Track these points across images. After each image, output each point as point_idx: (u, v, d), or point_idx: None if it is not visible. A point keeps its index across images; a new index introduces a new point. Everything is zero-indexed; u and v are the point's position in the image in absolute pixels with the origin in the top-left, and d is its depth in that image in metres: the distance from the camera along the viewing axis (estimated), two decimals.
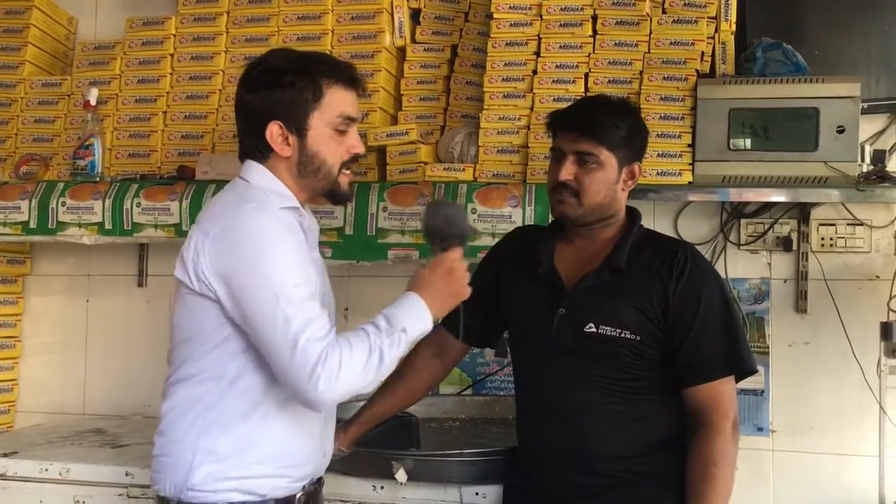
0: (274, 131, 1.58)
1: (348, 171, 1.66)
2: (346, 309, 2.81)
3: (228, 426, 1.53)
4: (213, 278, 1.50)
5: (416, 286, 1.62)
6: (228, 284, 1.49)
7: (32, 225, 2.60)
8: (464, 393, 2.68)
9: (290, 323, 1.44)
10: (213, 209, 1.60)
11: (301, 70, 1.58)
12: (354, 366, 1.46)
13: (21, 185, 2.64)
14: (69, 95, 2.84)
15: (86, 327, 3.00)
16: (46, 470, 2.15)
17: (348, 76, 1.63)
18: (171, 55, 2.77)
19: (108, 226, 2.56)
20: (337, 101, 1.61)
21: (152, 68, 2.77)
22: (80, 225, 2.57)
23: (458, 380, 2.69)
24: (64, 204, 2.58)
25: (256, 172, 1.62)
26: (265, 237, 1.50)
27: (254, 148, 1.62)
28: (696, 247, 1.95)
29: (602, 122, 1.76)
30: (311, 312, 1.48)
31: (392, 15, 2.67)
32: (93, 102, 2.68)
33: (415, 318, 1.57)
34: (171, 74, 2.76)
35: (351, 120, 1.63)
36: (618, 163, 1.78)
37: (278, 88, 1.57)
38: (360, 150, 1.66)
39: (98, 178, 2.65)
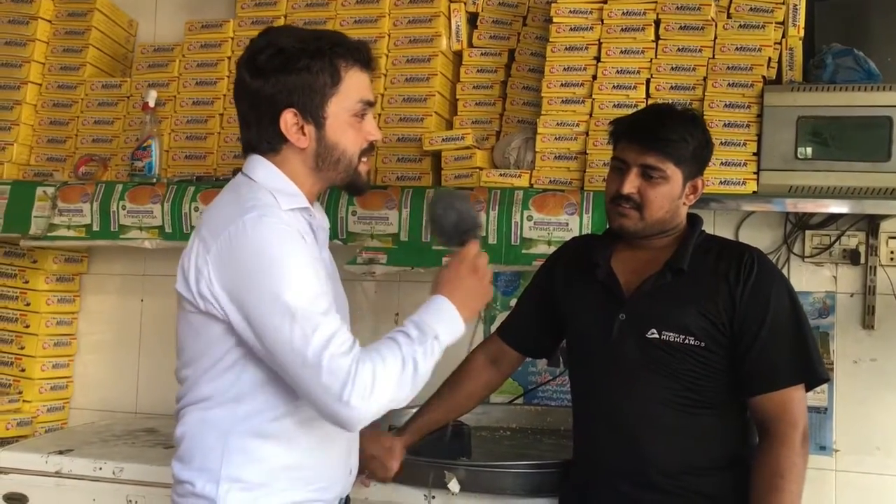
0: (288, 120, 1.45)
1: (366, 160, 1.54)
2: (397, 314, 2.79)
3: (250, 451, 1.43)
4: (220, 298, 1.38)
5: (442, 288, 1.48)
6: (238, 305, 1.37)
7: (96, 228, 2.63)
8: (515, 402, 2.64)
9: (309, 342, 1.32)
10: (213, 216, 1.46)
11: (317, 52, 1.44)
12: (389, 378, 1.35)
13: (81, 186, 2.67)
14: (128, 97, 2.86)
15: (140, 327, 3.03)
16: (100, 469, 2.17)
17: (366, 57, 1.50)
18: (229, 58, 2.78)
19: (168, 229, 2.58)
20: (356, 85, 1.49)
21: (210, 71, 2.79)
22: (141, 228, 2.59)
23: (509, 388, 2.65)
24: (124, 207, 2.61)
25: (261, 169, 1.49)
26: (273, 250, 1.37)
27: (262, 140, 1.48)
28: None
29: (671, 135, 1.70)
30: (331, 327, 1.35)
31: (449, 19, 2.64)
32: (151, 104, 2.71)
33: (446, 323, 1.45)
34: (228, 77, 2.76)
35: (370, 105, 1.52)
36: (683, 178, 1.73)
37: (292, 73, 1.43)
38: (378, 136, 1.54)
39: (155, 180, 2.67)
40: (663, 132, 1.70)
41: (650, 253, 1.78)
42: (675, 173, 1.72)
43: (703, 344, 1.66)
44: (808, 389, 1.67)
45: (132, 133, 2.80)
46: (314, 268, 1.40)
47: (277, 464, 1.45)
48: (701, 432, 1.68)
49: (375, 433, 1.90)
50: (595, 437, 1.76)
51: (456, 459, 2.00)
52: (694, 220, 1.82)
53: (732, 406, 1.70)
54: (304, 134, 1.47)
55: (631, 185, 1.71)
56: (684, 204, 1.77)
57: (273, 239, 1.37)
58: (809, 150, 2.18)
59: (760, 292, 1.66)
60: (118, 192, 2.62)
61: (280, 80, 1.44)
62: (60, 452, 2.22)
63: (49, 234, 2.66)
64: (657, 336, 1.68)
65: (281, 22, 2.75)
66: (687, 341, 1.66)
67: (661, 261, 1.75)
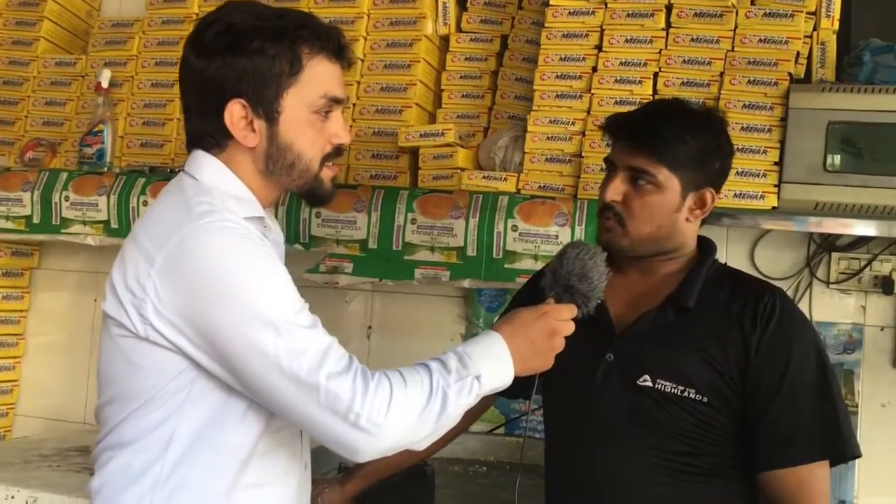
0: (235, 113, 1.23)
1: (330, 165, 1.31)
2: (370, 328, 2.53)
3: None
4: (171, 322, 1.16)
5: (506, 329, 1.29)
6: (197, 328, 1.15)
7: (36, 220, 2.42)
8: (495, 432, 2.37)
9: (300, 360, 1.13)
10: (153, 221, 1.24)
11: (276, 32, 1.23)
12: (409, 405, 1.16)
13: (23, 173, 2.46)
14: (83, 76, 2.61)
15: (92, 329, 2.77)
16: (13, 497, 1.92)
17: (335, 44, 1.28)
18: None
19: (113, 224, 2.35)
20: (320, 76, 1.26)
21: (171, 49, 2.51)
22: (84, 223, 2.38)
23: (489, 416, 2.38)
24: (67, 199, 2.39)
25: (208, 168, 1.27)
26: (239, 258, 1.17)
27: (205, 133, 1.27)
28: (777, 283, 1.65)
29: (667, 134, 1.43)
30: (322, 342, 1.16)
31: None
32: (105, 85, 2.48)
33: (494, 366, 1.25)
34: None
35: (336, 102, 1.29)
36: (681, 187, 1.44)
37: (243, 55, 1.22)
38: (345, 139, 1.31)
39: (105, 169, 2.43)
40: (659, 129, 1.43)
41: (649, 281, 1.50)
42: (669, 180, 1.43)
43: (704, 399, 1.38)
44: (832, 465, 1.39)
45: (85, 116, 2.56)
46: (289, 279, 1.21)
47: None
48: None
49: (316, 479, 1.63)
50: (568, 500, 1.48)
51: None
52: (705, 246, 1.53)
53: (738, 475, 1.41)
54: (253, 130, 1.25)
55: (614, 191, 1.44)
56: (688, 220, 1.48)
57: (237, 245, 1.18)
58: (840, 160, 1.92)
59: (781, 342, 1.38)
60: (62, 181, 2.40)
61: (227, 62, 1.23)
62: None
63: None
64: (650, 384, 1.40)
65: None
66: (686, 393, 1.38)
67: (663, 293, 1.46)
